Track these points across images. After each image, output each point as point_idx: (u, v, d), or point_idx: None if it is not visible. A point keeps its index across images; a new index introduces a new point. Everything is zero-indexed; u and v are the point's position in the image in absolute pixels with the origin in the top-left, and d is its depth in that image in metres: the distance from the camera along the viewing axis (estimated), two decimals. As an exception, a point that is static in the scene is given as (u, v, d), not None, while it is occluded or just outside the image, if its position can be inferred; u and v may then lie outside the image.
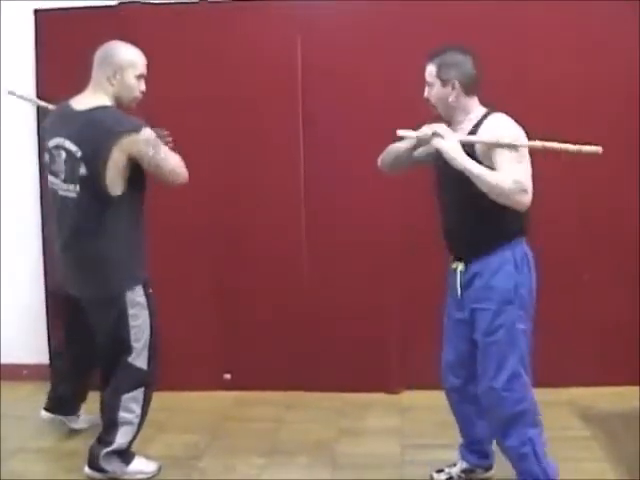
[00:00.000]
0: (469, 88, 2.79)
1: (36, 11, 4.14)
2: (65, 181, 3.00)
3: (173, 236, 4.01)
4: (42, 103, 3.58)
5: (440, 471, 3.10)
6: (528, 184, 2.62)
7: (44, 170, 3.17)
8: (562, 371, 3.89)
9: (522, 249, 2.78)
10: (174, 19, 4.04)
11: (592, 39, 3.89)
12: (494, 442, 3.03)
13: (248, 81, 4.04)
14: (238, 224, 4.13)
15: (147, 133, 2.96)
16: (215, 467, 3.31)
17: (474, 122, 2.76)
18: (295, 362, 4.11)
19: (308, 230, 4.10)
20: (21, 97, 3.66)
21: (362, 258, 4.05)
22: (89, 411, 3.56)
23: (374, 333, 4.07)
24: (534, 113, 3.83)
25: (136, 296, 3.05)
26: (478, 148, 2.70)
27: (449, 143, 2.68)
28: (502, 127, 2.72)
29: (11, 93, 3.63)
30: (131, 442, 3.14)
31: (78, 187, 2.97)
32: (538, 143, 2.69)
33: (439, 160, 2.76)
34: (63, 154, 2.99)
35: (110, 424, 3.10)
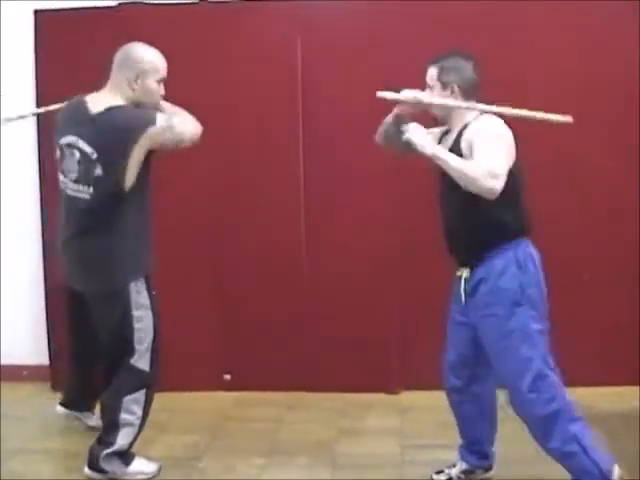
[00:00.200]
0: (468, 93, 2.80)
1: (36, 11, 4.15)
2: (76, 182, 2.98)
3: (173, 236, 4.01)
4: (41, 110, 3.56)
5: (440, 472, 3.09)
6: (499, 172, 2.59)
7: (56, 167, 3.13)
8: (562, 371, 3.88)
9: (525, 248, 2.77)
10: (174, 19, 4.04)
11: (592, 39, 3.90)
12: (494, 443, 3.04)
13: (248, 81, 4.05)
14: (238, 224, 4.13)
15: (160, 121, 2.94)
16: (215, 467, 3.31)
17: (465, 123, 2.77)
18: (295, 362, 4.11)
19: (308, 230, 4.10)
20: (21, 117, 3.64)
21: (362, 258, 4.05)
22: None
23: (374, 333, 4.07)
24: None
25: (140, 297, 3.04)
26: (464, 146, 2.71)
27: (418, 134, 2.71)
28: (488, 123, 2.73)
29: (8, 120, 3.59)
30: (132, 443, 3.13)
31: (92, 189, 2.95)
32: (506, 109, 2.70)
33: (438, 168, 2.75)
34: (77, 154, 2.96)
35: (111, 425, 3.09)
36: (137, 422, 3.10)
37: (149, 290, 3.08)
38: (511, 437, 3.35)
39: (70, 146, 2.98)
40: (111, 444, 3.08)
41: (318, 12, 4.04)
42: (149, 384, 3.12)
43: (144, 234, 3.08)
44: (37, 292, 4.30)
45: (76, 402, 3.62)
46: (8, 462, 3.33)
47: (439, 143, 2.92)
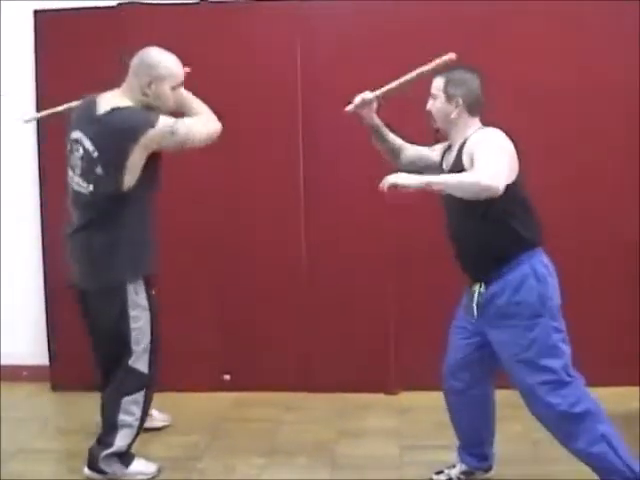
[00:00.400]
0: (472, 108, 2.79)
1: (36, 12, 4.14)
2: (80, 176, 3.01)
3: (172, 236, 4.00)
4: (60, 108, 3.48)
5: (439, 473, 3.09)
6: (499, 170, 2.52)
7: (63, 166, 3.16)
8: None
9: (540, 259, 2.74)
10: (174, 20, 4.03)
11: (592, 39, 3.89)
12: (494, 444, 3.03)
13: (248, 81, 4.04)
14: (238, 225, 4.13)
15: (162, 124, 2.93)
16: (215, 468, 3.31)
17: (466, 138, 2.75)
18: (294, 363, 4.12)
19: (307, 230, 4.10)
20: (37, 117, 3.70)
21: (361, 259, 4.05)
22: (90, 411, 3.55)
23: (373, 334, 4.07)
24: (534, 113, 3.86)
25: (138, 297, 3.05)
26: (465, 160, 2.68)
27: (399, 178, 2.53)
28: (488, 134, 2.71)
29: (28, 120, 3.70)
30: (130, 444, 3.14)
31: (92, 186, 2.97)
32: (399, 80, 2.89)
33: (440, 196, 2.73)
34: (81, 151, 2.99)
35: (110, 426, 3.09)
36: (136, 423, 3.10)
37: (148, 291, 3.08)
38: (511, 437, 3.35)
39: (77, 142, 3.01)
40: (110, 445, 3.09)
41: (318, 12, 4.04)
42: (148, 385, 3.12)
43: (145, 234, 3.08)
44: (37, 292, 4.30)
45: None
46: (8, 463, 3.34)
47: (442, 160, 2.92)
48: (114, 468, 3.12)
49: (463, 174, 2.60)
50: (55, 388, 4.25)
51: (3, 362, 4.32)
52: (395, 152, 3.07)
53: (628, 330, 3.97)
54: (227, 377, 4.17)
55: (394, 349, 4.08)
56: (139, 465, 3.19)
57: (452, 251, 2.86)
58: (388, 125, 3.07)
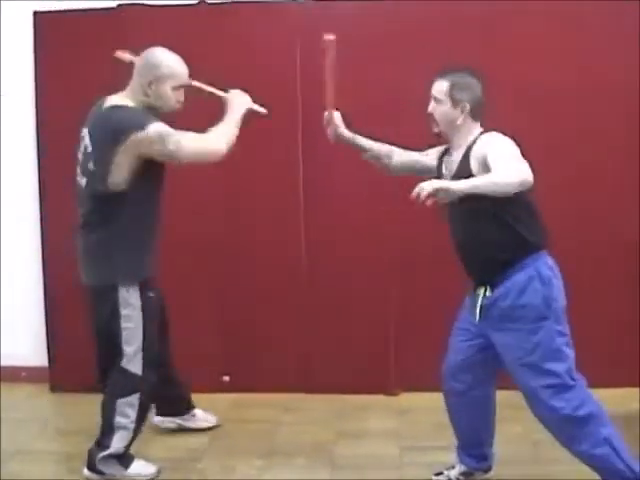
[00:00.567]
0: (476, 112, 2.77)
1: (35, 13, 4.13)
2: (80, 170, 3.06)
3: (172, 236, 3.99)
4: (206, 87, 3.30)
5: (439, 474, 3.09)
6: (521, 161, 2.51)
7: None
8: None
9: (545, 262, 2.73)
10: (173, 21, 4.03)
11: (592, 39, 3.88)
12: (493, 444, 3.03)
13: (248, 82, 4.03)
14: (238, 226, 4.12)
15: (152, 129, 2.89)
16: (214, 468, 3.31)
17: (469, 143, 2.73)
18: (294, 364, 4.11)
19: (307, 231, 4.09)
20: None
21: (361, 260, 4.04)
22: (89, 413, 3.54)
23: (373, 335, 4.07)
24: (534, 113, 3.85)
25: (130, 297, 3.03)
26: (473, 164, 2.66)
27: (439, 183, 2.45)
28: (495, 138, 2.69)
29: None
30: (128, 446, 3.13)
31: (85, 180, 3.02)
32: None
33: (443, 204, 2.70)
34: (82, 145, 3.04)
35: (107, 428, 3.09)
36: (131, 426, 3.09)
37: (143, 292, 3.06)
38: (511, 438, 3.35)
39: (82, 138, 3.06)
40: (107, 447, 3.09)
41: (318, 13, 4.03)
42: (142, 389, 3.09)
43: (143, 237, 3.08)
44: (37, 293, 4.29)
45: (168, 407, 3.60)
46: (7, 463, 3.34)
47: (440, 163, 2.91)
48: (113, 469, 3.12)
49: (491, 175, 2.49)
50: (54, 389, 4.24)
51: (2, 363, 4.31)
52: (382, 159, 3.07)
53: (628, 330, 3.96)
54: (226, 378, 4.17)
55: (394, 350, 4.08)
56: (138, 466, 3.18)
57: (457, 256, 2.84)
58: (369, 135, 3.03)
